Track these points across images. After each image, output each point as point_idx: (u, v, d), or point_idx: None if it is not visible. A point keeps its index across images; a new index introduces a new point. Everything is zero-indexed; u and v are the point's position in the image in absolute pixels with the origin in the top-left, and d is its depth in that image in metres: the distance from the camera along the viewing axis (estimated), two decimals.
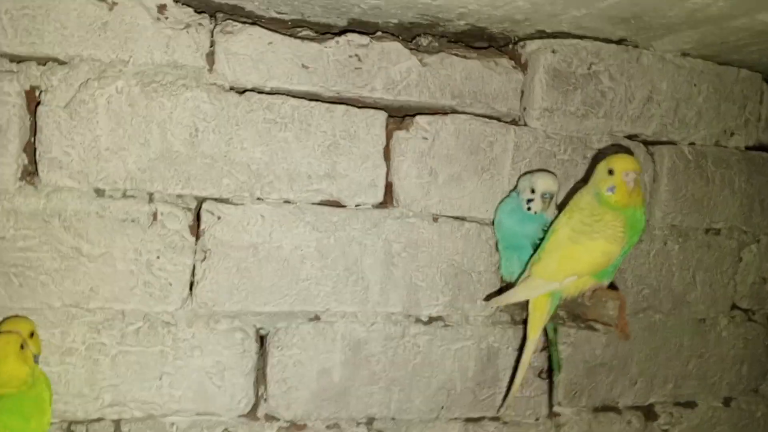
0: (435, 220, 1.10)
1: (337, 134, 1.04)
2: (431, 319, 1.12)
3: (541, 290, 0.95)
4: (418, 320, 1.11)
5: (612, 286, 0.94)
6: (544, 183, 1.03)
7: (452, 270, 1.11)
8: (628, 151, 1.15)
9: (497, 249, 1.13)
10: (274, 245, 1.02)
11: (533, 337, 1.00)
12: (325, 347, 1.06)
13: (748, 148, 1.30)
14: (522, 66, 1.15)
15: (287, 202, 1.03)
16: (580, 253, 0.93)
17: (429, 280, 1.10)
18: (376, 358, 1.08)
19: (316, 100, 1.03)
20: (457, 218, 1.12)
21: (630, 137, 1.21)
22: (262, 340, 1.05)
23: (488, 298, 1.10)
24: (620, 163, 0.93)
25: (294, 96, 1.02)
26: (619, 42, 1.17)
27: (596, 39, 1.15)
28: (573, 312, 0.94)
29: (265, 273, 1.02)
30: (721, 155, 1.27)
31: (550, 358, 1.16)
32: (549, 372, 1.17)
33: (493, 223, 1.13)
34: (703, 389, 1.29)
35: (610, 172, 0.93)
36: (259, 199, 1.02)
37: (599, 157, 1.12)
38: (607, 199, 0.94)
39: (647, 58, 1.20)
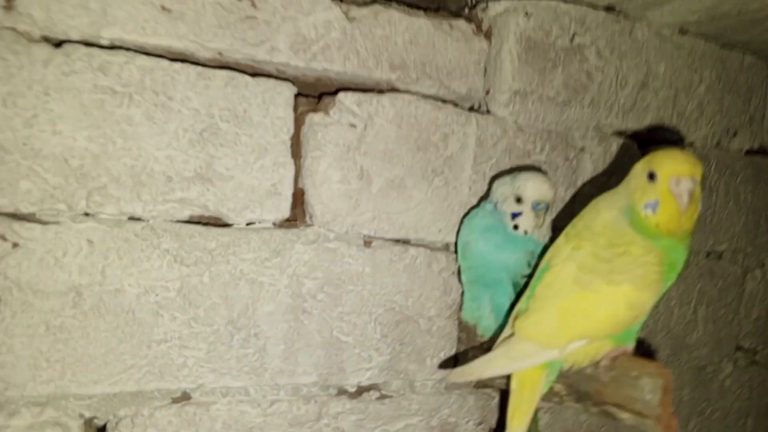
0: (367, 244, 0.76)
1: (216, 114, 0.68)
2: (361, 390, 0.77)
3: (532, 361, 0.61)
4: (341, 392, 0.76)
5: (643, 351, 0.62)
6: (535, 188, 0.68)
7: (392, 316, 0.77)
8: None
9: (459, 281, 0.80)
10: (110, 288, 0.64)
11: (517, 431, 0.64)
12: None
13: (749, 152, 1.06)
14: (485, 34, 0.83)
15: (133, 218, 0.65)
16: (594, 304, 0.59)
17: (358, 333, 0.75)
18: None
19: (183, 61, 0.66)
20: (398, 241, 0.78)
21: (619, 133, 0.92)
22: (100, 431, 0.67)
23: (444, 365, 0.76)
24: (669, 163, 0.58)
25: (147, 53, 0.65)
26: (608, 9, 0.89)
27: (579, 3, 0.86)
28: (577, 388, 0.61)
29: (95, 333, 0.63)
30: (724, 160, 1.01)
31: None
32: None
33: (450, 249, 0.80)
34: None
35: (651, 176, 0.59)
36: (85, 215, 0.64)
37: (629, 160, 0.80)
38: (644, 222, 0.59)
39: (641, 33, 0.92)
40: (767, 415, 1.09)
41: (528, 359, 0.60)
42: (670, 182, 0.57)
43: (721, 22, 0.91)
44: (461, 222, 0.79)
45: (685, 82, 0.96)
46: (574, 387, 0.62)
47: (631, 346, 0.61)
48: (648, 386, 0.56)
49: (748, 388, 1.06)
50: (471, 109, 0.83)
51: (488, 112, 0.83)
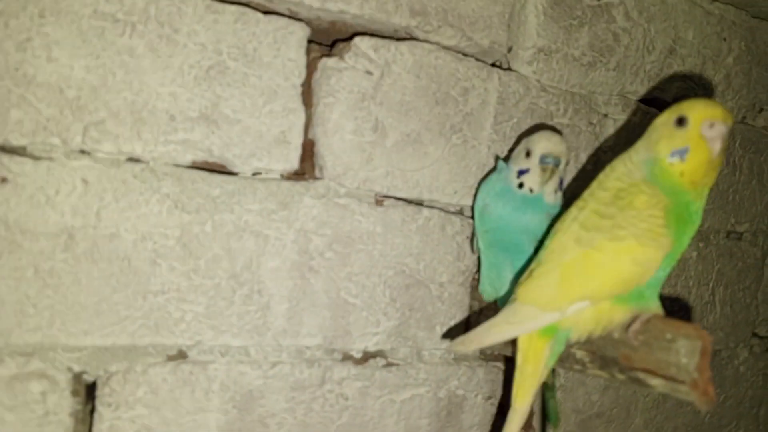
0: (379, 203, 0.72)
1: (224, 52, 0.63)
2: (367, 356, 0.73)
3: (533, 324, 0.57)
4: (346, 358, 0.72)
5: (677, 313, 0.57)
6: (544, 140, 0.65)
7: (402, 280, 0.73)
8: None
9: (472, 248, 0.76)
10: (105, 233, 0.59)
11: (521, 405, 0.60)
12: (193, 404, 0.64)
13: None
14: None
15: (132, 159, 0.61)
16: (596, 262, 0.55)
17: (366, 296, 0.71)
18: (278, 420, 0.67)
19: None
20: (411, 202, 0.74)
21: (645, 101, 0.88)
22: (89, 390, 0.62)
23: (449, 334, 0.72)
24: (701, 107, 0.55)
25: None
26: None
27: None
28: (602, 354, 0.57)
29: (88, 280, 0.59)
30: (750, 136, 0.97)
31: (543, 406, 0.80)
32: (542, 423, 0.81)
33: (465, 213, 0.76)
34: None
35: (681, 121, 0.55)
36: (81, 152, 0.59)
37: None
38: (668, 171, 0.56)
39: None
40: None
41: (529, 323, 0.57)
42: (702, 126, 0.54)
43: None
44: (478, 185, 0.75)
45: (714, 51, 0.92)
46: (599, 353, 0.58)
47: (652, 308, 0.57)
48: (684, 349, 0.52)
49: (762, 376, 1.03)
50: (493, 64, 0.78)
51: (511, 69, 0.79)
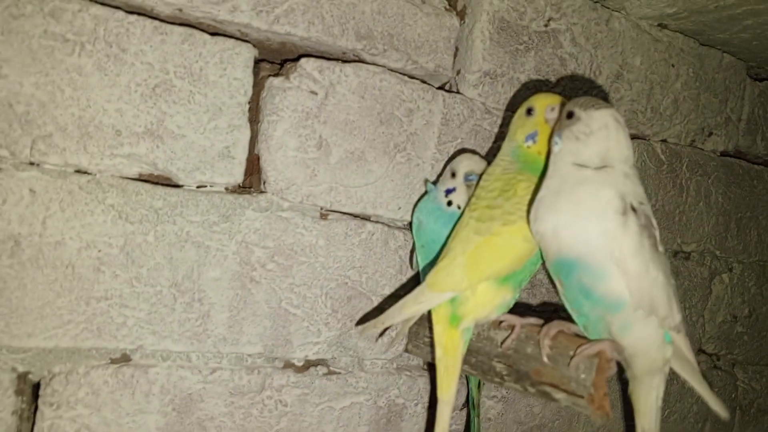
0: (323, 216, 0.75)
1: (171, 70, 0.66)
2: (308, 364, 0.76)
3: (440, 299, 0.63)
4: (287, 365, 0.75)
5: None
6: (466, 161, 0.71)
7: (344, 292, 0.76)
8: None
9: (411, 264, 0.79)
10: (51, 241, 0.62)
11: (447, 396, 0.65)
12: (133, 406, 0.67)
13: (723, 154, 1.05)
14: (459, 13, 0.82)
15: (79, 171, 0.64)
16: (494, 245, 0.62)
17: (308, 306, 0.74)
18: (217, 424, 0.70)
19: (139, 14, 0.65)
20: (355, 216, 0.77)
21: None
22: (35, 389, 0.65)
23: (361, 321, 0.75)
24: (542, 98, 0.68)
25: (102, 3, 0.63)
26: None
27: None
28: (518, 368, 0.60)
29: (33, 285, 0.62)
30: (698, 159, 1.00)
31: (468, 425, 0.83)
32: None
33: (408, 228, 0.79)
34: None
35: (530, 112, 0.68)
36: (29, 163, 0.62)
37: None
38: (528, 154, 0.67)
39: (619, 23, 0.91)
40: (725, 422, 1.08)
41: (432, 301, 0.63)
42: (546, 111, 0.66)
43: (699, 17, 0.91)
44: (414, 206, 0.78)
45: (662, 76, 0.95)
46: (515, 367, 0.61)
47: (532, 320, 0.64)
48: (583, 365, 0.55)
49: None
50: (439, 87, 0.82)
51: (458, 92, 0.82)
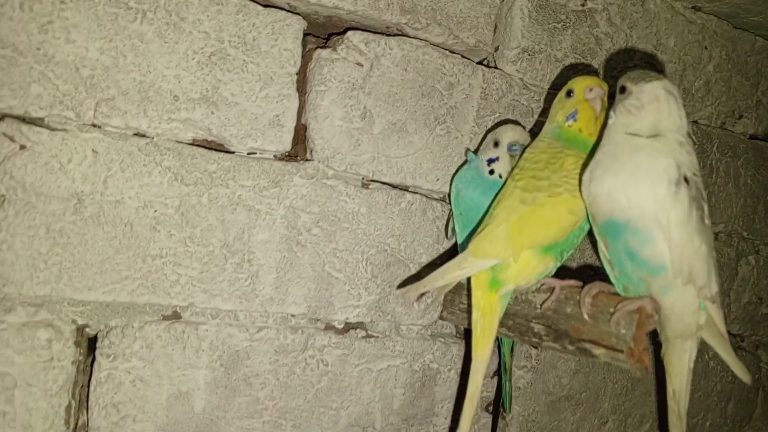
0: (365, 185, 0.77)
1: (226, 40, 0.69)
2: (348, 327, 0.79)
3: (476, 268, 0.65)
4: (328, 327, 0.78)
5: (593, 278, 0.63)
6: (510, 132, 0.74)
7: (383, 258, 0.78)
8: None
9: (446, 234, 0.82)
10: (111, 199, 0.66)
11: (482, 356, 0.68)
12: (183, 360, 0.70)
13: (752, 137, 1.06)
14: None
15: (138, 134, 0.67)
16: (540, 215, 0.64)
17: (349, 271, 0.77)
18: (262, 380, 0.73)
19: None
20: (396, 186, 0.79)
21: None
22: (91, 343, 0.68)
23: (402, 286, 0.78)
24: (581, 80, 0.71)
25: None
26: None
27: None
28: (556, 327, 0.62)
29: (93, 241, 0.65)
30: (728, 141, 1.02)
31: (498, 388, 0.85)
32: (495, 406, 0.87)
33: (446, 199, 0.81)
34: None
35: (569, 94, 0.72)
36: (92, 125, 0.65)
37: None
38: (569, 132, 0.70)
39: (654, 4, 0.92)
40: (748, 401, 1.09)
41: (475, 266, 0.65)
42: (585, 92, 0.70)
43: (731, 2, 0.92)
44: (453, 176, 0.80)
45: (694, 58, 0.96)
46: (554, 327, 0.63)
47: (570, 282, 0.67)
48: (623, 321, 0.57)
49: (731, 371, 1.07)
50: (479, 62, 0.84)
51: (496, 67, 0.84)
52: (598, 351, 0.58)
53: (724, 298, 1.04)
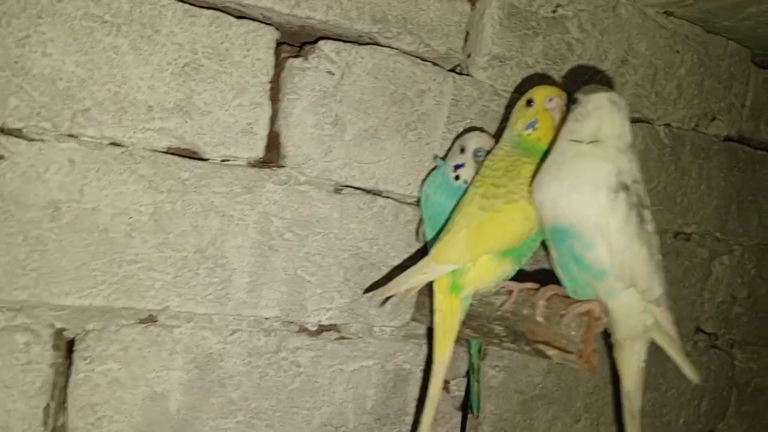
0: (337, 191, 0.79)
1: (200, 51, 0.71)
2: (321, 329, 0.81)
3: (437, 273, 0.68)
4: (302, 329, 0.80)
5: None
6: (476, 139, 0.76)
7: (356, 262, 0.81)
8: None
9: (417, 237, 0.84)
10: (87, 207, 0.68)
11: (443, 358, 0.71)
12: (159, 362, 0.72)
13: (727, 139, 1.08)
14: None
15: (114, 143, 0.69)
16: (497, 221, 0.67)
17: (322, 274, 0.79)
18: (236, 382, 0.76)
19: None
20: (368, 191, 0.81)
21: None
22: (69, 346, 0.71)
23: (369, 289, 0.80)
24: (541, 90, 0.73)
25: None
26: None
27: None
28: (514, 329, 0.65)
29: (70, 247, 0.67)
30: (700, 143, 1.04)
31: (467, 390, 0.88)
32: (464, 407, 0.89)
33: (417, 203, 0.83)
34: (656, 429, 1.06)
35: (529, 103, 0.73)
36: (69, 135, 0.67)
37: None
38: (528, 141, 0.71)
39: (626, 10, 0.94)
40: (722, 399, 1.12)
41: (437, 271, 0.68)
42: (545, 102, 0.72)
43: (704, 4, 0.93)
44: (423, 180, 0.82)
45: (666, 62, 0.98)
46: (512, 328, 0.66)
47: (527, 285, 0.69)
48: (573, 323, 0.59)
49: (705, 369, 1.09)
50: (452, 70, 0.85)
51: (468, 74, 0.86)
52: (551, 352, 0.61)
53: (697, 298, 1.06)
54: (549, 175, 0.63)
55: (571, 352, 0.59)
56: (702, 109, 1.03)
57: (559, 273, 0.66)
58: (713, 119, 1.05)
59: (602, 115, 0.63)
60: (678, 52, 0.99)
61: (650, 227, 0.63)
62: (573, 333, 0.59)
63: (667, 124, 1.01)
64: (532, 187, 0.65)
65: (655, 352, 1.03)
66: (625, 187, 0.60)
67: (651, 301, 0.63)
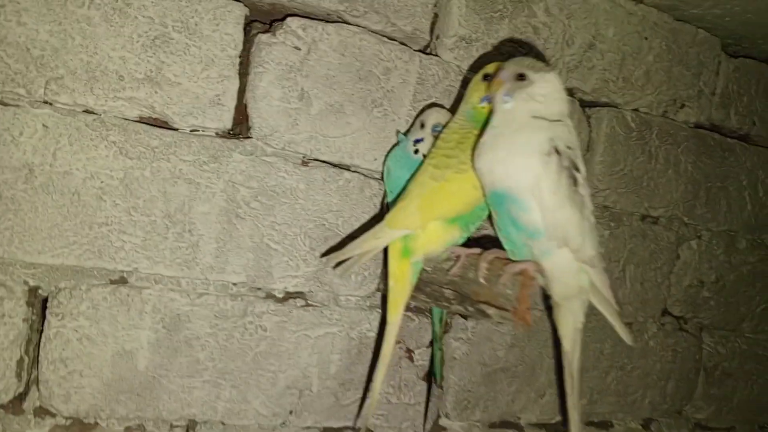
0: (304, 163, 0.82)
1: (170, 24, 0.74)
2: (287, 296, 0.84)
3: (395, 235, 0.71)
4: (268, 296, 0.83)
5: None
6: (435, 115, 0.78)
7: (321, 232, 0.84)
8: None
9: (382, 209, 0.87)
10: (60, 170, 0.71)
11: (395, 319, 0.75)
12: (128, 321, 0.76)
13: (697, 126, 1.10)
14: None
15: (87, 111, 0.73)
16: (447, 189, 0.70)
17: (288, 243, 0.82)
18: (202, 342, 0.79)
19: None
20: (334, 165, 0.84)
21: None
22: (44, 305, 0.74)
23: (326, 254, 0.83)
24: (498, 65, 0.73)
25: None
26: None
27: None
28: (461, 291, 0.68)
29: (43, 208, 0.71)
30: (668, 129, 1.06)
31: (431, 359, 0.90)
32: (429, 376, 0.92)
33: (382, 177, 0.86)
34: (621, 407, 1.08)
35: (485, 77, 0.75)
36: (43, 102, 0.71)
37: None
38: (482, 114, 0.73)
39: None
40: (689, 381, 1.14)
41: (387, 237, 0.71)
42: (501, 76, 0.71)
43: None
44: (387, 153, 0.85)
45: (634, 48, 1.00)
46: (459, 291, 0.69)
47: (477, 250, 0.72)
48: (509, 283, 0.62)
49: (672, 351, 1.11)
50: (422, 51, 0.88)
51: (436, 55, 0.89)
52: (491, 311, 0.64)
53: (664, 281, 1.08)
54: (487, 145, 0.66)
55: (507, 310, 0.62)
56: (670, 96, 1.05)
57: (500, 236, 0.69)
58: (682, 106, 1.07)
59: (562, 97, 0.68)
60: (646, 38, 1.01)
61: (583, 191, 0.66)
62: (509, 292, 0.62)
63: (635, 109, 1.03)
64: (474, 155, 0.68)
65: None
66: (557, 152, 0.63)
67: (584, 262, 0.66)
